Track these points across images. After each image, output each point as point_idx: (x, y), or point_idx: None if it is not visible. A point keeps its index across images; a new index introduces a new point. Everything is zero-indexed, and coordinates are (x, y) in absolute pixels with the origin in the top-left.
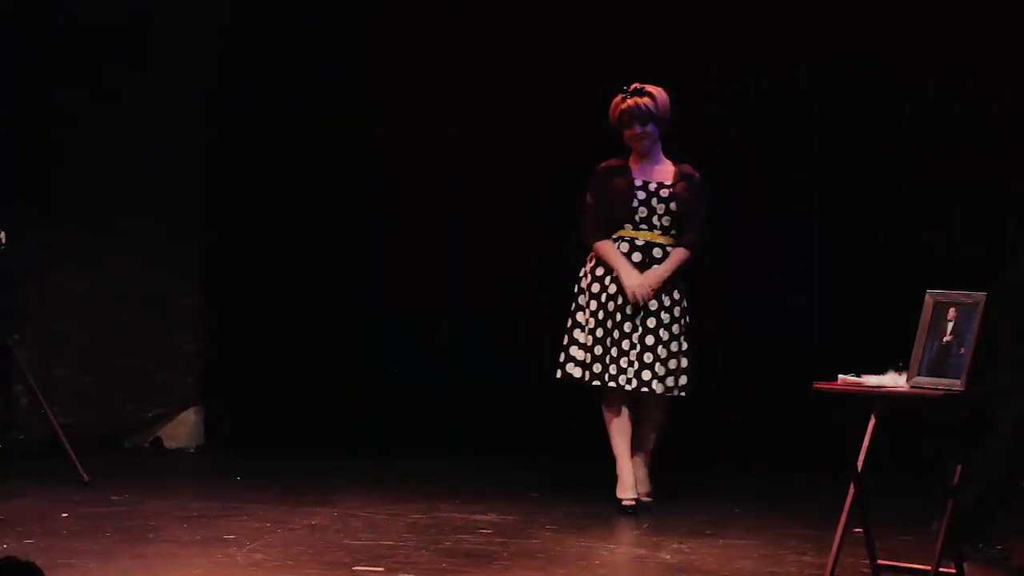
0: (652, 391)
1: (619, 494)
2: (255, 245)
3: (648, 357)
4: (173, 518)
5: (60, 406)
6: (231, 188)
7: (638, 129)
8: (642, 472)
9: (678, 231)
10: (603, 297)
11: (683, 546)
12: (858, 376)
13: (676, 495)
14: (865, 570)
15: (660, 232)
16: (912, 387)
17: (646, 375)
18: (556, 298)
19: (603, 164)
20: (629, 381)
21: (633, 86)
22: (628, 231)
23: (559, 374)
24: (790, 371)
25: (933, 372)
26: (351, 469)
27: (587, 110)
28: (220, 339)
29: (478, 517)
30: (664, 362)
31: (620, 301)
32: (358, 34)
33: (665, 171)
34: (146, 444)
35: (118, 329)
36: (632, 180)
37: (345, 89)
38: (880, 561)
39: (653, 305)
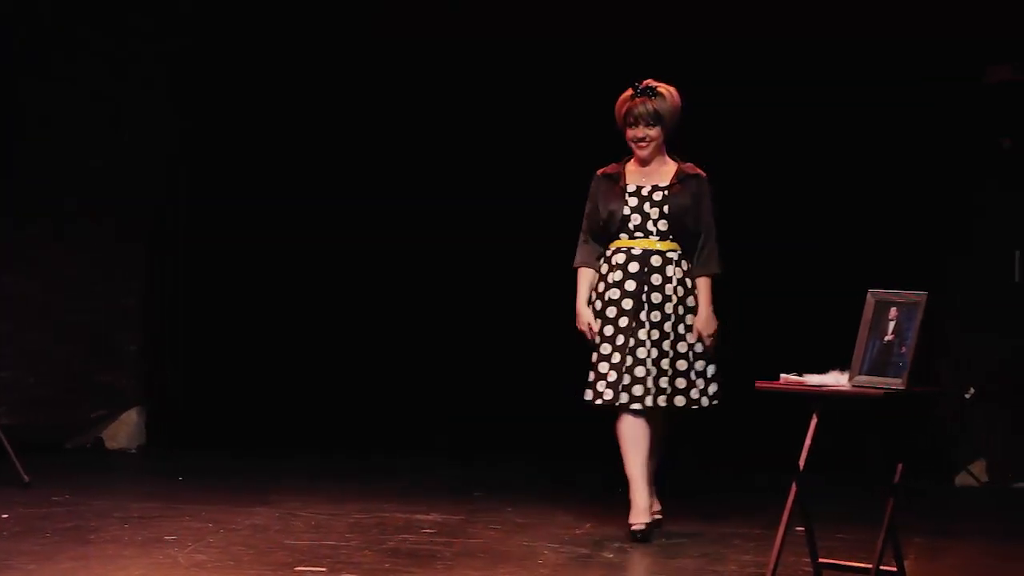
0: (673, 405)
1: (632, 519)
2: (197, 245)
3: (659, 373)
4: (114, 519)
5: (2, 407)
6: (177, 189)
7: (642, 131)
8: (649, 491)
9: (678, 236)
10: (610, 312)
11: (625, 545)
12: (800, 375)
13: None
14: (807, 569)
15: (657, 238)
16: (854, 386)
17: (659, 391)
18: (504, 290)
19: (600, 171)
20: (640, 399)
21: (645, 83)
22: (624, 241)
23: (591, 396)
24: (734, 370)
25: (875, 371)
26: (293, 469)
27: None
28: (162, 339)
29: (421, 517)
30: (682, 375)
31: (629, 312)
32: (318, 28)
33: (663, 173)
34: (88, 445)
35: (60, 329)
36: (624, 187)
37: (291, 84)
38: (821, 559)
39: (657, 317)
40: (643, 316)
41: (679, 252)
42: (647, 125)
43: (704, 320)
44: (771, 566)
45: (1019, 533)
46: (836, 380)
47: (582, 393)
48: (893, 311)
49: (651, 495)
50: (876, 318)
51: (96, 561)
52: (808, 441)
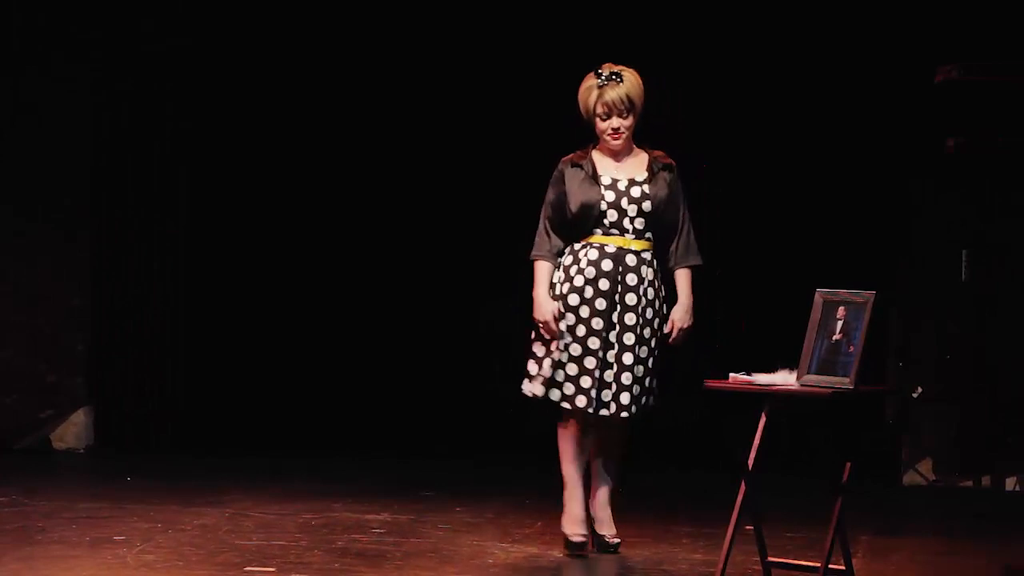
0: (631, 414)
1: (567, 528)
2: (144, 241)
3: (626, 378)
4: (62, 519)
5: None
6: (120, 184)
7: (616, 122)
8: (607, 512)
9: (655, 233)
10: (583, 312)
11: None
12: (749, 375)
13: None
14: (756, 567)
15: (633, 236)
16: (802, 385)
17: (624, 398)
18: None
19: (566, 158)
20: (606, 405)
21: (608, 68)
22: (597, 237)
23: (528, 391)
24: (683, 369)
25: (823, 370)
26: (242, 468)
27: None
28: (110, 339)
29: (371, 517)
30: (640, 381)
31: (602, 312)
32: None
33: (636, 164)
34: (35, 445)
35: (7, 329)
36: (598, 178)
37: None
38: (770, 558)
39: (631, 319)
40: (614, 317)
41: (652, 252)
42: (621, 115)
43: (683, 312)
44: (721, 565)
45: (965, 531)
46: (784, 379)
47: (521, 382)
48: (841, 310)
49: (611, 517)
50: (824, 317)
51: (43, 561)
52: (756, 440)
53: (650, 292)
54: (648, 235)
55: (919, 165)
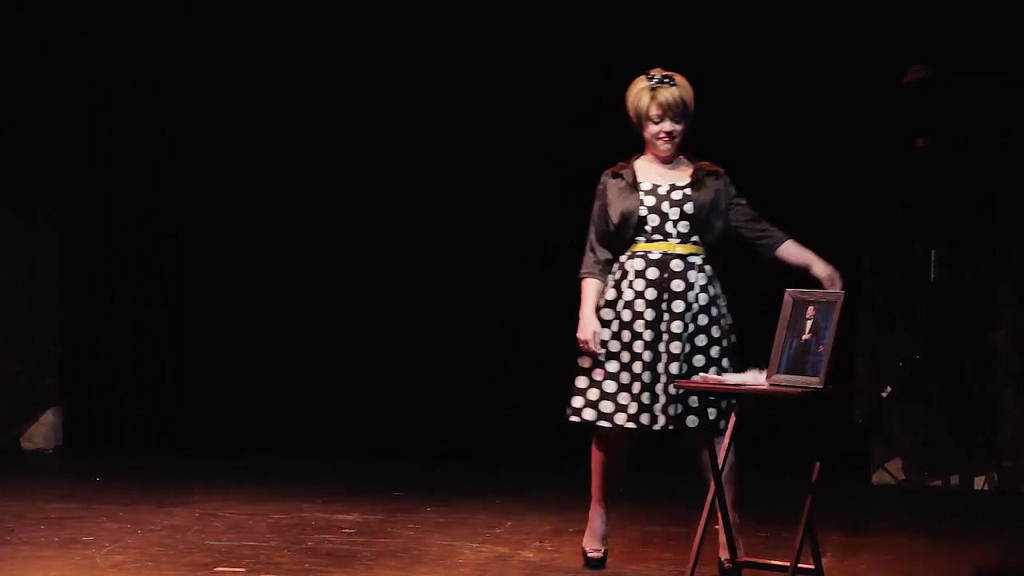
0: (695, 427)
1: (585, 543)
2: (114, 241)
3: (673, 389)
4: (31, 520)
5: None
6: (92, 183)
7: (670, 126)
8: (730, 534)
9: (702, 237)
10: (637, 325)
11: (546, 544)
12: (719, 374)
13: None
14: (726, 566)
15: (678, 240)
16: (772, 385)
17: (673, 409)
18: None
19: (608, 170)
20: (655, 419)
21: (659, 72)
22: (641, 245)
23: (575, 417)
24: None
25: (792, 370)
26: (211, 468)
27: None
28: (79, 339)
29: (341, 517)
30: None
31: (652, 323)
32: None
33: (679, 171)
34: (4, 446)
35: None
36: (638, 185)
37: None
38: (741, 557)
39: (678, 327)
40: (663, 327)
41: (703, 256)
42: (674, 119)
43: (821, 265)
44: (690, 564)
45: (934, 531)
46: (754, 379)
47: (570, 406)
48: (810, 310)
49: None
50: (794, 317)
51: (12, 562)
52: (726, 440)
53: (702, 297)
54: (695, 239)
55: (888, 165)
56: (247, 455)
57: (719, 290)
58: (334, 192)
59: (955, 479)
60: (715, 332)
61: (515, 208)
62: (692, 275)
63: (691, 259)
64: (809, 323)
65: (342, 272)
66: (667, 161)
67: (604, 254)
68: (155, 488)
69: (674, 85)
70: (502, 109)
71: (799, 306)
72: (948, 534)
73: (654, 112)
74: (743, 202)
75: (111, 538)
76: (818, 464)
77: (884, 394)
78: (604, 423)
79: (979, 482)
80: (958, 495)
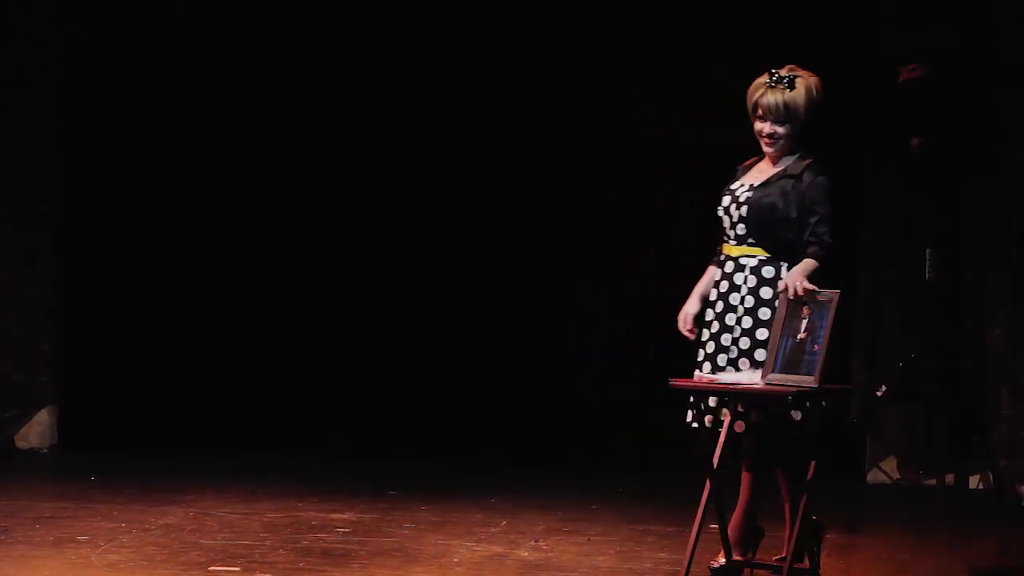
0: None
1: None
2: (111, 241)
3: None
4: (26, 519)
5: None
6: (86, 182)
7: (769, 127)
8: (738, 533)
9: (760, 239)
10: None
11: (541, 543)
12: (714, 372)
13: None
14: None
15: (735, 242)
16: (767, 384)
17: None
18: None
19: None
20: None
21: (786, 71)
22: (724, 246)
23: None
24: (648, 368)
25: (787, 369)
26: (206, 468)
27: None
28: (74, 338)
29: (336, 516)
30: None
31: (707, 323)
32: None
33: (772, 170)
34: None
35: None
36: (730, 185)
37: (211, 68)
38: (735, 557)
39: (715, 328)
40: (713, 328)
41: (759, 258)
42: (775, 121)
43: (794, 275)
44: (686, 564)
45: (929, 530)
46: (749, 378)
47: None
48: (805, 309)
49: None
50: (789, 316)
51: (7, 561)
52: (722, 439)
53: (749, 300)
54: (751, 240)
55: (883, 163)
56: (242, 454)
57: (769, 296)
58: (326, 194)
59: (950, 478)
60: (744, 344)
61: (501, 205)
62: (739, 277)
63: (743, 261)
64: (804, 322)
65: (336, 270)
66: (775, 160)
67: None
68: (150, 487)
69: (789, 88)
70: (494, 102)
71: (794, 305)
72: (943, 533)
73: (757, 112)
74: (819, 212)
75: (106, 537)
76: (813, 463)
77: (879, 393)
78: (694, 424)
79: (974, 481)
80: (953, 494)
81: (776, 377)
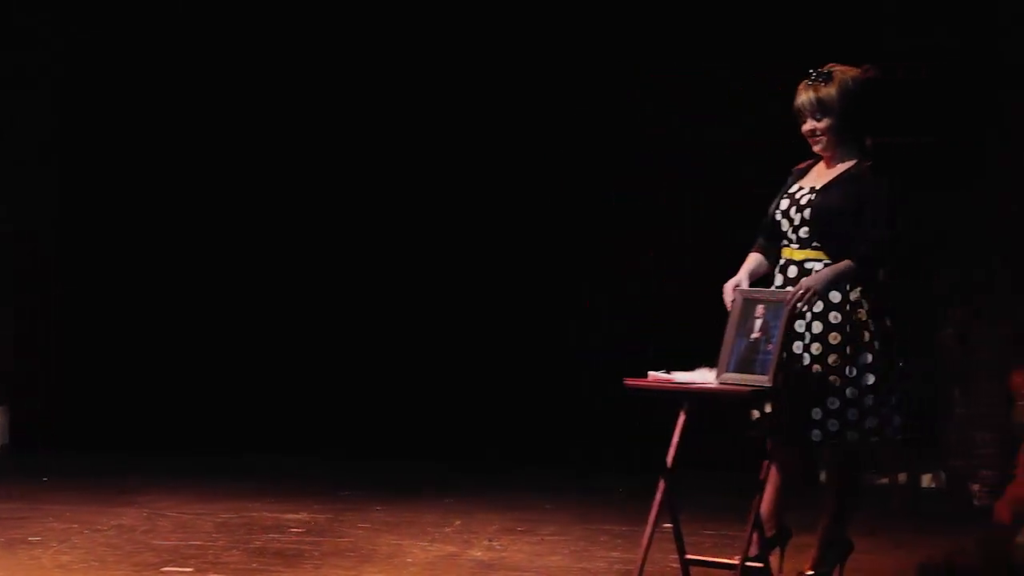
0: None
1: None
2: (66, 241)
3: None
4: None
5: None
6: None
7: (809, 124)
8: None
9: (824, 243)
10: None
11: (495, 543)
12: (668, 373)
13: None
14: (674, 565)
15: (797, 246)
16: (721, 383)
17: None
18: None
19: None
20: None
21: (828, 68)
22: (784, 250)
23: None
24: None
25: (742, 368)
26: (159, 468)
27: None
28: (27, 338)
29: (289, 516)
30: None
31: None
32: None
33: (832, 172)
34: None
35: None
36: (788, 189)
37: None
38: (689, 556)
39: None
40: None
41: (824, 262)
42: (812, 117)
43: (806, 280)
44: (639, 563)
45: (882, 527)
46: (704, 377)
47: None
48: (760, 309)
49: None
50: (743, 316)
51: None
52: (676, 438)
53: (818, 305)
54: (815, 243)
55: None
56: (195, 454)
57: (850, 298)
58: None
59: (902, 477)
60: (833, 342)
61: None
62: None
63: (807, 264)
64: (758, 322)
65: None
66: (829, 160)
67: (762, 241)
68: (102, 488)
69: (823, 83)
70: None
71: (748, 305)
72: (895, 532)
73: (798, 113)
74: (875, 216)
75: (58, 538)
76: (766, 462)
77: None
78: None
79: (926, 480)
80: (905, 493)
81: (730, 377)
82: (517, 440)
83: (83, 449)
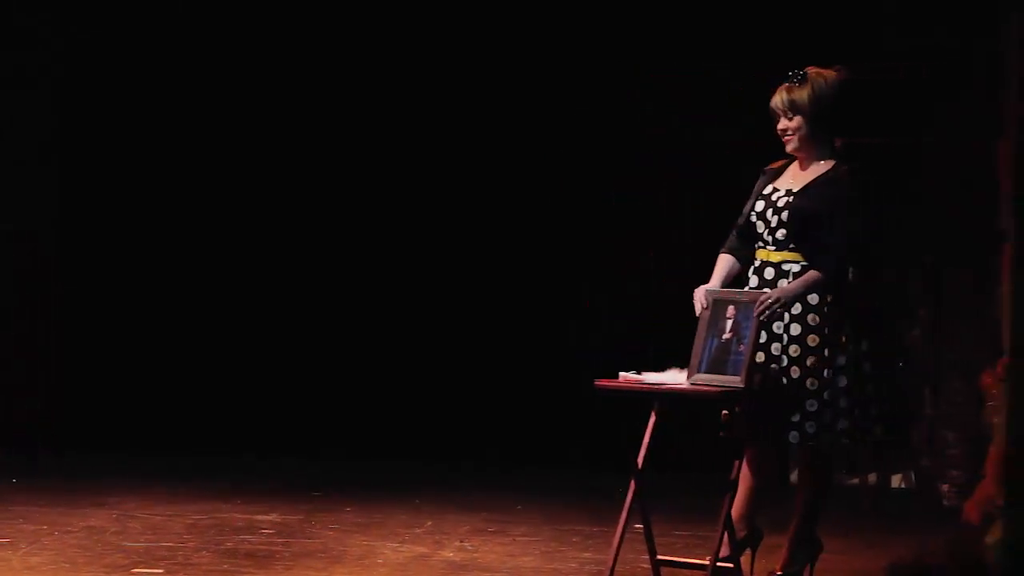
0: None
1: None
2: (66, 241)
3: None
4: None
5: None
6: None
7: (782, 123)
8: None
9: (802, 244)
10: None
11: (466, 544)
12: (639, 374)
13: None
14: (645, 565)
15: (774, 248)
16: (692, 384)
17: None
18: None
19: (768, 166)
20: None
21: (808, 70)
22: (759, 251)
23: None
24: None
25: (713, 369)
26: (129, 469)
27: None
28: (26, 338)
29: (260, 517)
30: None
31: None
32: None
33: (807, 175)
34: None
35: None
36: (763, 190)
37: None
38: (660, 556)
39: (762, 337)
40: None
41: (802, 264)
42: (784, 116)
43: (775, 291)
44: (610, 563)
45: (852, 527)
46: (675, 378)
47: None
48: (731, 309)
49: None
50: (714, 317)
51: None
52: (646, 439)
53: (795, 307)
54: (792, 246)
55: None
56: (165, 455)
57: (827, 299)
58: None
59: (872, 477)
60: (812, 344)
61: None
62: (783, 283)
63: (785, 266)
64: (729, 322)
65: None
66: (803, 161)
67: (734, 241)
68: (72, 489)
69: (796, 83)
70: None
71: (719, 306)
72: (865, 532)
73: (773, 113)
74: (851, 221)
75: (27, 540)
76: (737, 462)
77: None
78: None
79: (896, 480)
80: (875, 493)
81: (701, 377)
82: (516, 440)
83: (52, 450)
